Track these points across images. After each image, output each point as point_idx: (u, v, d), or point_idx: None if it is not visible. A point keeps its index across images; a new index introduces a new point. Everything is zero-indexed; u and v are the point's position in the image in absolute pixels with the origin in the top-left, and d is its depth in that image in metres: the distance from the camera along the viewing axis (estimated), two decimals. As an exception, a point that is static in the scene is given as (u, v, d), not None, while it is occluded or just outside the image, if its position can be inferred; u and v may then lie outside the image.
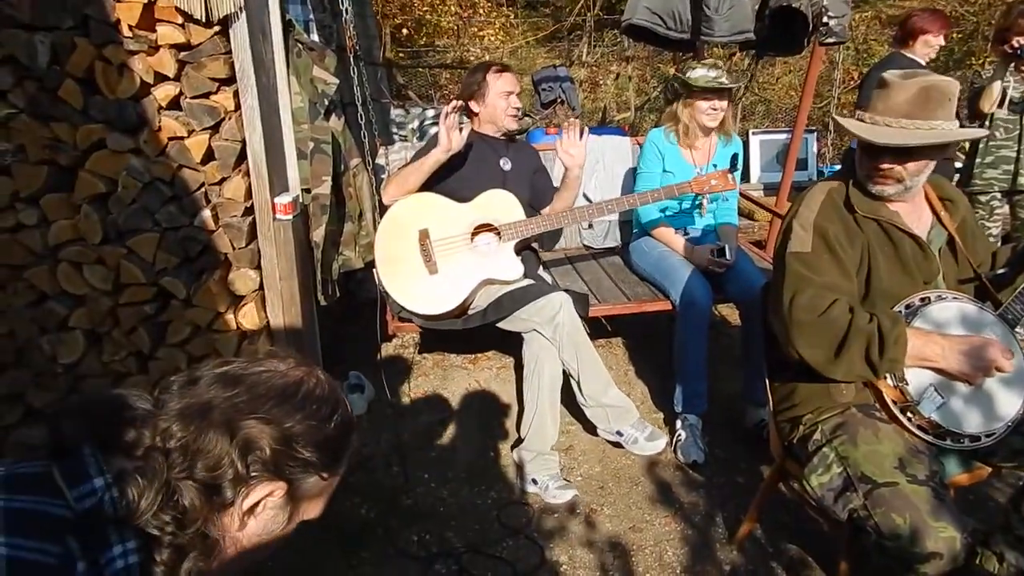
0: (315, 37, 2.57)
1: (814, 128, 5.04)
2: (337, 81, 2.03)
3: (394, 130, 4.88)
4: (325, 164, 2.04)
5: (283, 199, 1.91)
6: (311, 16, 2.49)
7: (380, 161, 3.12)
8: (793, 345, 1.55)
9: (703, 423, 2.55)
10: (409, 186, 2.40)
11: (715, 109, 2.66)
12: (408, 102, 4.87)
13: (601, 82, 5.90)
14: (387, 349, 3.38)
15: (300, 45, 1.97)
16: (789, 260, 1.61)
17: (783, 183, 3.50)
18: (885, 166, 1.53)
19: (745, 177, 5.01)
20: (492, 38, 6.83)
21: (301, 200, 2.05)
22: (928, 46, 3.22)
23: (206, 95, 1.81)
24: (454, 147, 2.37)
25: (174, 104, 1.80)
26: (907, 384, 1.51)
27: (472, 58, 7.06)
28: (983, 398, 1.49)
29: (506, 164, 2.61)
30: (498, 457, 2.52)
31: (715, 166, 2.74)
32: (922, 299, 1.58)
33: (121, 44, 1.74)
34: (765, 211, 3.35)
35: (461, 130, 2.39)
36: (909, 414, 1.52)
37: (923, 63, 3.25)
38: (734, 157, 2.63)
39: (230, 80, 1.81)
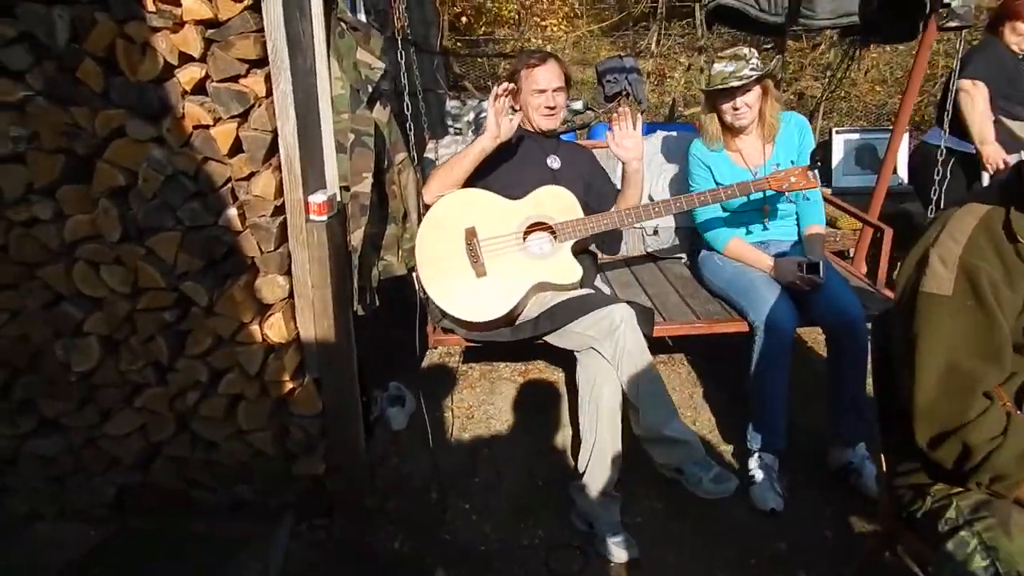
0: (362, 17, 2.36)
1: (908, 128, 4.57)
2: (383, 65, 1.80)
3: (449, 122, 4.67)
4: (367, 159, 1.81)
5: (318, 198, 1.70)
6: (360, -7, 2.28)
7: (429, 155, 2.90)
8: (914, 430, 1.25)
9: (780, 462, 2.24)
10: (453, 180, 2.17)
11: (737, 109, 2.35)
12: (464, 93, 4.65)
13: (669, 74, 5.53)
14: (431, 357, 3.17)
15: (343, 24, 1.75)
16: (922, 301, 1.29)
17: (878, 189, 3.11)
18: None
19: (826, 180, 4.59)
20: (555, 28, 6.55)
21: (339, 199, 1.84)
22: (1017, 33, 2.79)
23: (234, 78, 1.61)
24: (503, 135, 2.13)
25: (199, 88, 1.61)
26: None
27: (533, 48, 6.80)
28: None
29: (554, 162, 2.37)
30: (548, 488, 2.27)
31: (777, 165, 2.41)
32: None
33: (144, 20, 1.55)
34: (855, 218, 2.97)
35: (511, 119, 2.14)
36: (1074, 495, 1.19)
37: (1019, 54, 2.82)
38: (813, 153, 2.29)
39: (262, 62, 1.61)
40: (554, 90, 2.31)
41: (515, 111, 2.21)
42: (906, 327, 1.33)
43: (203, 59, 1.59)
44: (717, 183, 2.46)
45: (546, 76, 2.29)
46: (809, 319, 2.28)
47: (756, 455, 2.24)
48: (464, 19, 5.97)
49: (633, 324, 2.02)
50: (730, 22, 2.55)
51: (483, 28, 6.20)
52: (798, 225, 2.69)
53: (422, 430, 2.57)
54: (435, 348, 3.14)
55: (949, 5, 2.14)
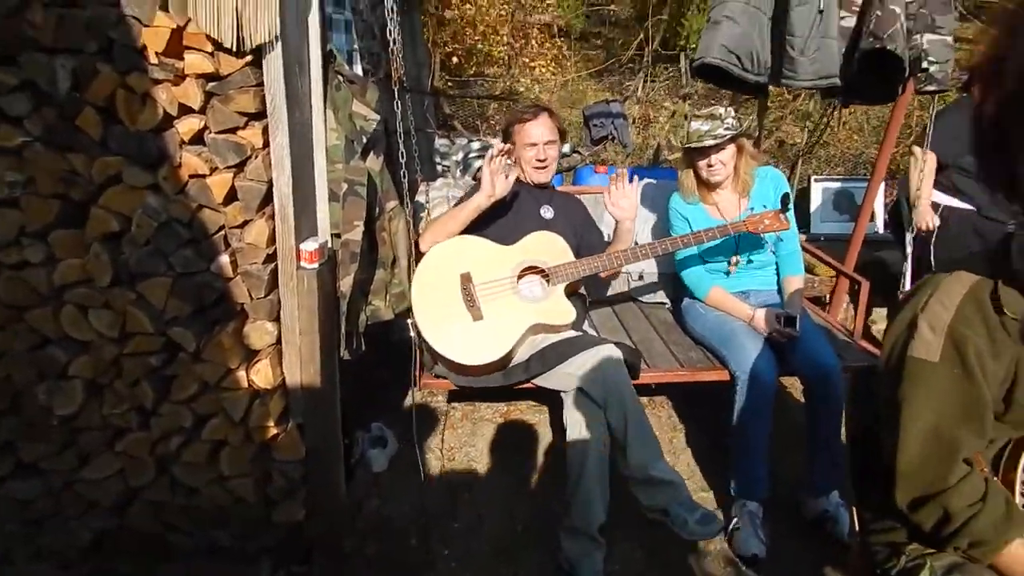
0: (358, 68, 2.42)
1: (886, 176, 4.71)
2: (378, 117, 1.85)
3: (437, 160, 4.73)
4: (359, 207, 1.85)
5: (309, 246, 1.72)
6: (355, 45, 2.34)
7: (420, 199, 2.94)
8: (895, 492, 1.29)
9: (763, 510, 2.26)
10: (447, 233, 2.25)
11: (712, 166, 2.44)
12: (453, 132, 4.73)
13: (654, 119, 5.67)
14: (414, 398, 3.16)
15: (340, 77, 1.80)
16: (910, 365, 1.33)
17: (854, 239, 3.20)
18: None
19: (804, 226, 4.70)
20: (543, 69, 6.69)
21: (330, 246, 1.86)
22: None
23: (233, 130, 1.65)
24: (498, 193, 2.20)
25: (197, 139, 1.64)
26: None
27: (522, 89, 6.93)
28: None
29: (547, 212, 2.44)
30: (529, 532, 2.27)
31: (751, 209, 2.50)
32: None
33: (146, 72, 1.58)
34: (832, 269, 3.05)
35: (507, 176, 2.22)
36: (1045, 560, 1.23)
37: None
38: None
39: (260, 115, 1.65)
40: (545, 143, 2.38)
41: (510, 167, 2.27)
42: (892, 389, 1.37)
43: (202, 111, 1.62)
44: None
45: (538, 130, 2.36)
46: (787, 369, 2.33)
47: (739, 503, 2.26)
48: (455, 59, 6.10)
49: (621, 364, 2.06)
50: (714, 79, 2.65)
51: (473, 68, 6.33)
52: (778, 275, 2.77)
53: (404, 472, 2.57)
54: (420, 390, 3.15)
55: (927, 70, 2.24)
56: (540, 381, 2.14)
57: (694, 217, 2.56)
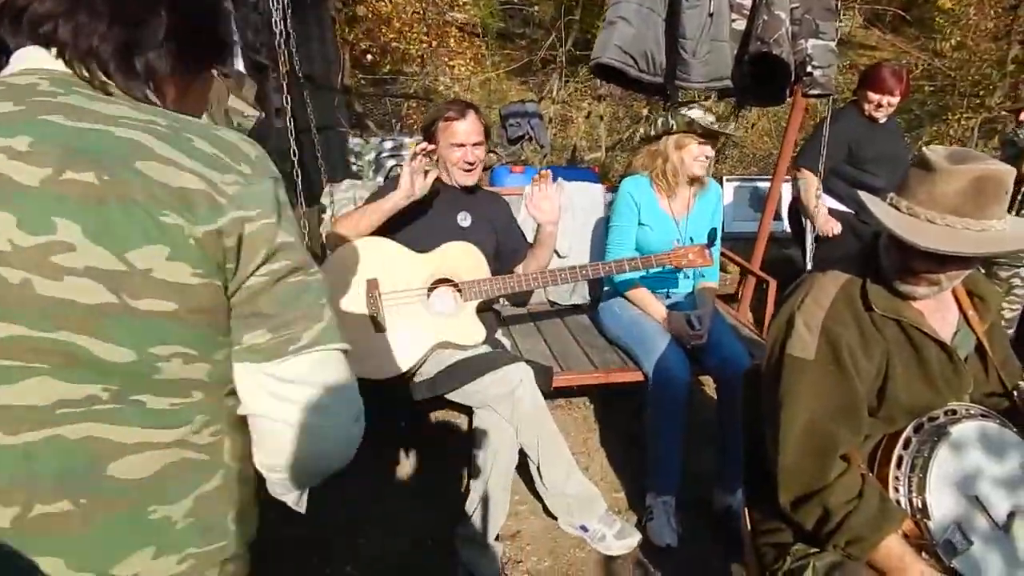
0: (239, 62, 2.27)
1: (788, 177, 4.88)
2: (257, 113, 1.73)
3: (352, 159, 4.59)
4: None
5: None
6: (234, 38, 2.19)
7: (324, 200, 2.82)
8: (778, 491, 1.30)
9: (675, 501, 2.27)
10: (359, 231, 2.10)
11: (707, 157, 2.45)
12: (367, 132, 4.59)
13: (572, 119, 5.70)
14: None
15: (214, 71, 1.67)
16: (788, 363, 1.35)
17: (760, 236, 3.29)
18: (922, 268, 1.27)
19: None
20: (462, 68, 6.61)
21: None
22: (869, 102, 3.06)
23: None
24: (417, 193, 2.08)
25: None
26: (928, 517, 1.25)
27: (441, 87, 6.84)
28: (1009, 543, 1.23)
29: (465, 220, 2.30)
30: (436, 547, 2.20)
31: (690, 240, 2.51)
32: (947, 412, 1.34)
33: None
34: (741, 268, 3.12)
35: (427, 175, 2.10)
36: (925, 554, 1.25)
37: (876, 119, 3.08)
38: (712, 232, 2.40)
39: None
40: (473, 144, 2.22)
41: (430, 167, 2.16)
42: (772, 388, 1.38)
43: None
44: (641, 223, 2.53)
45: (465, 130, 2.20)
46: (701, 369, 2.36)
47: (652, 495, 2.26)
48: (369, 56, 5.93)
49: (531, 383, 2.01)
50: (614, 79, 2.65)
51: (388, 66, 6.18)
52: (693, 279, 2.81)
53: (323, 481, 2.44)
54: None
55: (812, 74, 2.30)
56: (450, 395, 2.07)
57: (644, 206, 2.53)
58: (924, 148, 1.29)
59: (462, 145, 2.21)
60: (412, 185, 2.03)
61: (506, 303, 2.80)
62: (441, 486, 2.51)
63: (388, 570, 2.09)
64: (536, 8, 7.89)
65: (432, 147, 2.09)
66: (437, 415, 2.98)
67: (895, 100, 3.04)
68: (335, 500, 2.42)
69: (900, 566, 1.20)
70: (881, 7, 7.45)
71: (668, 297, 2.60)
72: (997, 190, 1.21)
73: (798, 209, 3.39)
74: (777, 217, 4.76)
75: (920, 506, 1.24)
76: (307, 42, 4.34)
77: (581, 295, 2.99)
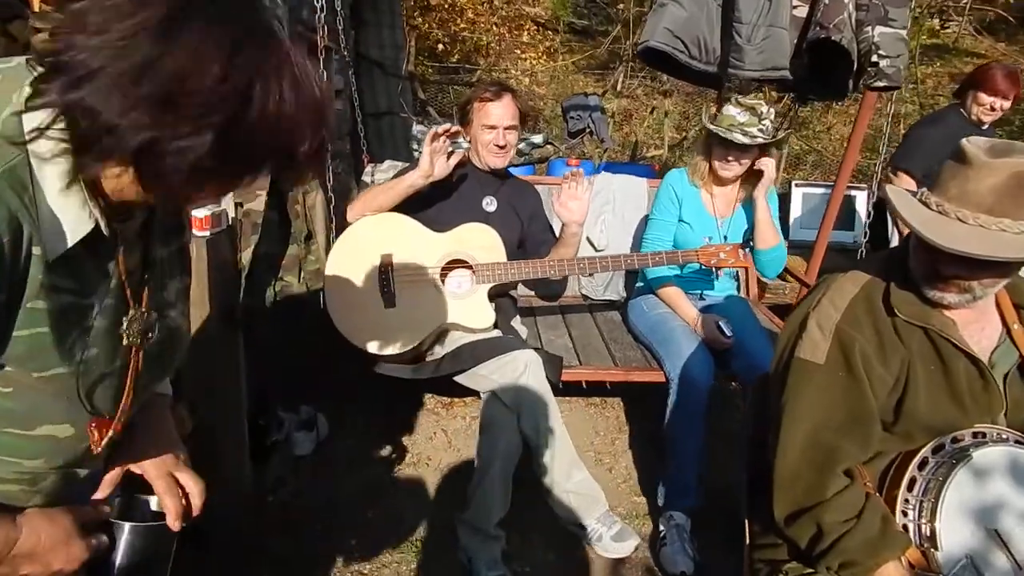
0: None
1: (865, 185, 4.58)
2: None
3: (414, 145, 4.65)
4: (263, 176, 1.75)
5: (199, 212, 1.63)
6: (277, 12, 2.23)
7: (366, 179, 2.85)
8: (773, 504, 1.20)
9: (693, 521, 2.15)
10: (376, 206, 2.11)
11: (728, 161, 2.29)
12: (429, 118, 4.64)
13: (636, 115, 5.55)
14: (354, 383, 3.08)
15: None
16: (796, 366, 1.25)
17: (816, 247, 3.09)
18: (950, 273, 1.14)
19: (784, 232, 4.58)
20: (534, 61, 6.57)
21: (232, 215, 1.77)
22: (978, 103, 2.80)
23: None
24: (436, 174, 2.06)
25: (80, 92, 1.55)
26: (936, 547, 1.12)
27: (512, 81, 6.83)
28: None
29: (490, 205, 2.27)
30: (444, 531, 2.17)
31: (726, 238, 2.37)
32: (976, 435, 1.20)
33: (27, 20, 1.49)
34: (794, 278, 2.95)
35: (450, 156, 2.09)
36: (930, 587, 1.13)
37: (983, 124, 2.83)
38: (747, 232, 2.26)
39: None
40: (506, 128, 2.17)
41: (454, 149, 2.14)
42: (778, 392, 1.28)
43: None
44: (681, 219, 2.43)
45: (499, 113, 2.14)
46: (727, 372, 2.25)
47: (666, 516, 2.16)
48: (440, 46, 5.99)
49: (538, 371, 1.96)
50: (664, 66, 2.54)
51: (457, 56, 6.22)
52: (737, 280, 2.68)
53: (329, 458, 2.48)
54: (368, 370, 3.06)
55: (877, 64, 2.13)
56: (458, 379, 2.05)
57: (686, 201, 2.43)
58: (964, 140, 1.15)
59: (494, 127, 2.17)
60: (431, 165, 2.02)
61: (534, 296, 2.75)
62: (463, 468, 2.49)
63: (392, 548, 2.09)
64: (620, 6, 7.77)
65: (456, 129, 2.06)
66: (472, 397, 2.97)
67: (1007, 104, 2.79)
68: (357, 471, 2.44)
69: None
70: (993, 9, 6.90)
71: (702, 299, 2.47)
72: None
73: (884, 217, 3.17)
74: (847, 227, 4.49)
75: (928, 534, 1.11)
76: (378, 28, 4.41)
77: (616, 291, 2.90)
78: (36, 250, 0.65)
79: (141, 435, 0.91)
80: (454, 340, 2.06)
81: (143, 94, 0.58)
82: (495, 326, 2.13)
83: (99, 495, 0.89)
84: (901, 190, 1.21)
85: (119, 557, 0.84)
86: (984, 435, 1.18)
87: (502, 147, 2.20)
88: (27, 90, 0.62)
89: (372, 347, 2.00)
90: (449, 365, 2.00)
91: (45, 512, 0.77)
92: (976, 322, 1.24)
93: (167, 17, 0.59)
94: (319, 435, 2.57)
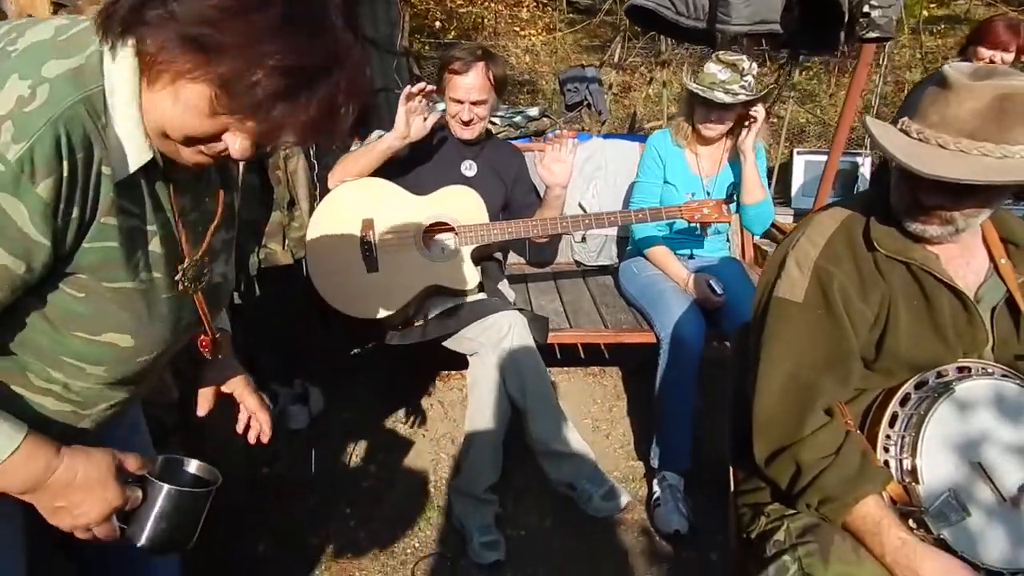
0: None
1: (864, 150, 4.50)
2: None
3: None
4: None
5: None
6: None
7: (354, 148, 2.82)
8: (753, 445, 1.19)
9: (686, 483, 2.14)
10: (356, 171, 2.08)
11: (710, 121, 2.25)
12: (434, 99, 4.59)
13: (635, 87, 5.47)
14: (357, 356, 3.07)
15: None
16: (774, 306, 1.22)
17: (814, 210, 3.03)
18: (932, 202, 1.10)
19: (785, 200, 4.52)
20: (534, 37, 6.50)
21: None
22: (979, 59, 2.71)
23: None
24: (412, 135, 2.04)
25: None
26: (918, 481, 1.09)
27: (512, 59, 6.76)
28: (1017, 519, 1.06)
29: (470, 169, 2.23)
30: (437, 497, 2.17)
31: (708, 194, 2.33)
32: (960, 370, 1.16)
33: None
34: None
35: (425, 118, 2.06)
36: (912, 523, 1.10)
37: None
38: (732, 187, 2.22)
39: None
40: (472, 103, 2.10)
41: (431, 109, 2.11)
42: (758, 333, 1.26)
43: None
44: (666, 181, 2.39)
45: (465, 87, 2.07)
46: (717, 331, 2.21)
47: (660, 476, 2.14)
48: (438, 23, 5.92)
49: (523, 332, 1.94)
50: (651, 24, 2.49)
51: (454, 33, 6.15)
52: (728, 241, 2.65)
53: (325, 431, 2.48)
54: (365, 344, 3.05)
55: (869, 15, 2.07)
56: (444, 343, 2.04)
57: (670, 163, 2.39)
58: (946, 66, 1.10)
59: (461, 102, 2.11)
60: (407, 126, 1.99)
61: (526, 263, 2.73)
62: (454, 438, 2.49)
63: (384, 515, 2.09)
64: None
65: (431, 88, 2.03)
66: (452, 371, 2.96)
67: (1009, 57, 2.70)
68: (352, 441, 2.44)
69: (875, 531, 1.05)
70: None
71: (692, 258, 2.44)
72: None
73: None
74: (849, 193, 4.42)
75: (910, 468, 1.08)
76: (372, 4, 4.36)
77: (609, 256, 2.86)
78: (106, 170, 0.73)
79: (220, 362, 1.07)
80: (439, 304, 2.04)
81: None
82: (481, 289, 2.11)
83: (201, 411, 1.11)
84: (881, 122, 1.17)
85: (152, 517, 0.85)
86: (969, 369, 1.15)
87: (467, 123, 2.14)
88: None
89: (356, 312, 1.99)
90: (435, 330, 1.98)
91: (87, 450, 0.81)
92: (961, 256, 1.20)
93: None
94: (314, 409, 2.57)
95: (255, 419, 1.14)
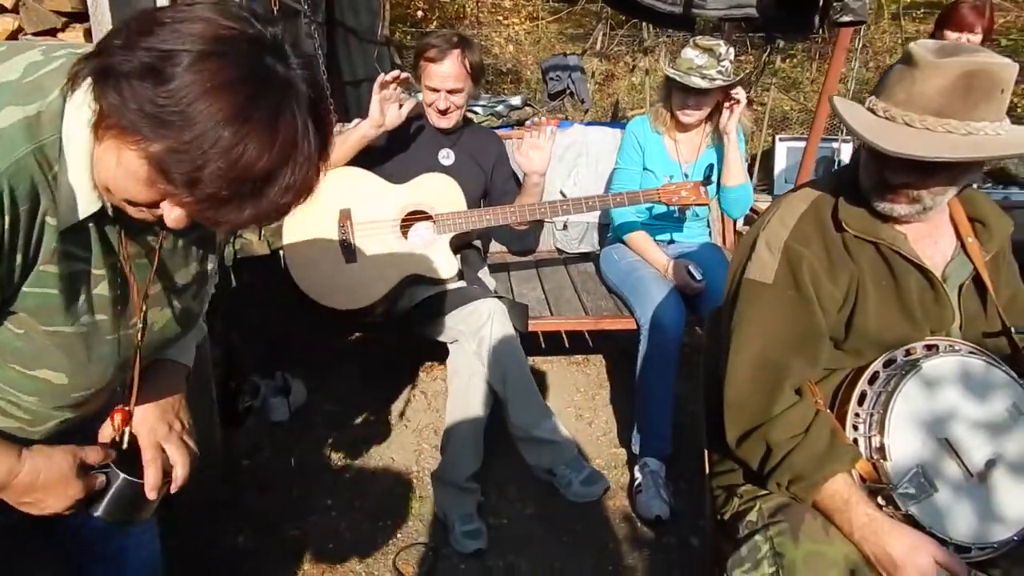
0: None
1: (849, 137, 4.51)
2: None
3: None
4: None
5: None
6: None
7: (334, 138, 2.80)
8: (725, 426, 1.19)
9: (667, 469, 2.14)
10: (332, 160, 2.06)
11: (687, 107, 2.24)
12: (408, 85, 4.56)
13: (618, 75, 5.45)
14: (339, 348, 3.06)
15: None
16: (745, 288, 1.23)
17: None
18: (898, 181, 1.10)
19: (768, 187, 4.53)
20: (517, 27, 6.46)
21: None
22: (946, 40, 2.73)
23: (51, 32, 1.51)
24: (388, 123, 2.02)
25: (12, 39, 1.50)
26: (885, 458, 1.10)
27: (496, 48, 6.73)
28: (984, 494, 1.07)
29: (447, 158, 2.21)
30: (423, 489, 2.17)
31: (686, 177, 2.34)
32: (928, 348, 1.17)
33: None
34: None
35: (400, 105, 2.04)
36: (881, 499, 1.10)
37: None
38: (709, 168, 2.22)
39: (82, 15, 1.50)
40: (448, 91, 2.08)
41: (410, 95, 2.09)
42: (729, 317, 1.26)
43: (15, 10, 1.49)
44: (645, 167, 2.39)
45: (440, 75, 2.05)
46: (697, 316, 2.21)
47: (641, 462, 2.15)
48: (419, 12, 5.88)
49: (502, 319, 1.94)
50: (631, 11, 2.48)
51: (436, 22, 6.11)
52: (709, 227, 2.65)
53: (305, 424, 2.47)
54: (346, 336, 3.03)
55: (843, -1, 2.08)
56: (424, 332, 2.03)
57: (649, 149, 2.38)
58: (912, 43, 1.11)
59: (436, 91, 2.08)
60: (381, 114, 1.97)
61: (508, 252, 2.72)
62: (437, 428, 2.48)
63: (364, 505, 2.08)
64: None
65: (405, 76, 2.01)
66: (435, 362, 2.95)
67: (976, 38, 2.71)
68: (334, 433, 2.43)
69: (843, 508, 1.06)
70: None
71: (672, 244, 2.44)
72: (990, 87, 1.03)
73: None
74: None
75: (878, 446, 1.09)
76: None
77: (591, 243, 2.86)
78: (51, 220, 0.73)
79: (144, 393, 0.95)
80: (418, 293, 2.03)
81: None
82: (460, 277, 2.10)
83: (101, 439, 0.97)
84: (848, 101, 1.17)
85: (107, 499, 0.88)
86: (936, 347, 1.16)
87: (443, 112, 2.12)
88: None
89: (334, 304, 1.98)
90: (415, 320, 1.97)
91: (46, 452, 0.85)
92: (929, 236, 1.20)
93: (200, 56, 0.63)
94: (295, 401, 2.56)
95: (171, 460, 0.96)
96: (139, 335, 0.88)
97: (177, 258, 0.93)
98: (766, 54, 2.84)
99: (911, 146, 1.02)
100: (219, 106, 0.63)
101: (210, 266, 1.00)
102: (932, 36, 2.86)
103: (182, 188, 0.65)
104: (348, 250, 1.99)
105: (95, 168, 0.72)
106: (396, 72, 2.01)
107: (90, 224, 0.77)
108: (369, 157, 2.09)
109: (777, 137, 4.60)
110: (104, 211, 0.77)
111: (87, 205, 0.75)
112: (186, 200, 0.67)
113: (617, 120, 4.62)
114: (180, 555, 1.80)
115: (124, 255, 0.83)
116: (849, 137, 4.54)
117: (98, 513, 0.88)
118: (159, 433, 0.94)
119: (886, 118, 1.08)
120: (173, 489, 0.95)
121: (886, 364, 1.16)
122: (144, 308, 0.87)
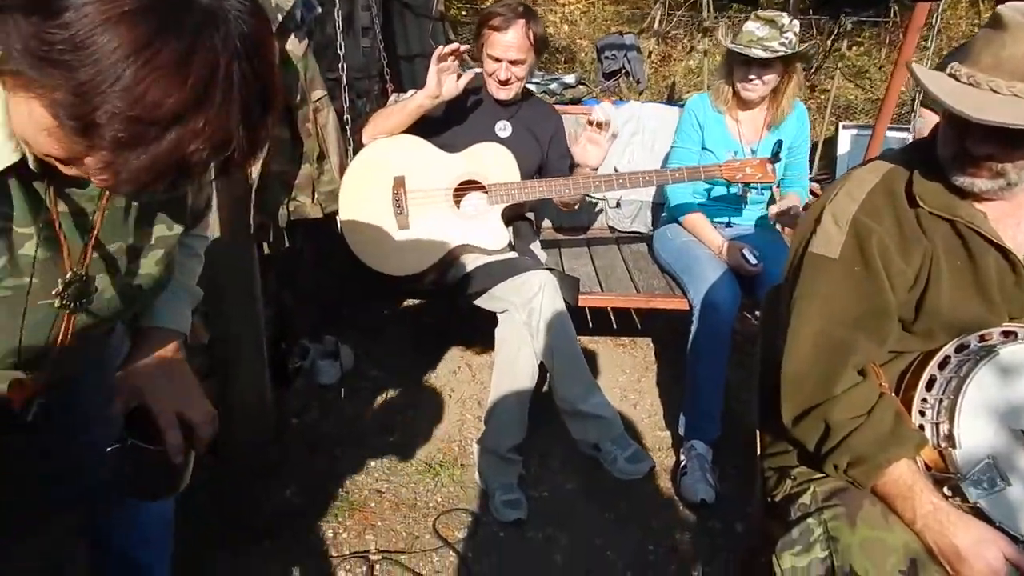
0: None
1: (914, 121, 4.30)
2: (300, -3, 1.72)
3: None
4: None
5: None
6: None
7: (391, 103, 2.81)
8: (781, 404, 1.15)
9: (714, 452, 2.11)
10: (388, 128, 2.08)
11: (750, 80, 2.17)
12: (463, 61, 4.56)
13: (675, 56, 5.31)
14: (388, 316, 3.10)
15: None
16: (808, 262, 1.17)
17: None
18: (982, 152, 1.03)
19: (831, 176, 4.39)
20: (572, 6, 6.35)
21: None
22: None
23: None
24: (444, 95, 2.01)
25: None
26: (954, 446, 1.05)
27: (550, 28, 6.64)
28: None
29: (504, 130, 2.20)
30: (462, 457, 2.19)
31: (753, 152, 2.27)
32: (1006, 334, 1.11)
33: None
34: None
35: (458, 77, 2.03)
36: (947, 490, 1.06)
37: None
38: (778, 144, 2.14)
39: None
40: (511, 62, 2.06)
41: (464, 69, 2.09)
42: (791, 292, 1.21)
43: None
44: (704, 147, 2.33)
45: (504, 45, 2.02)
46: (753, 299, 2.16)
47: (687, 445, 2.12)
48: (480, -11, 5.85)
49: (553, 292, 1.92)
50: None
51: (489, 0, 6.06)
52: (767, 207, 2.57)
53: (354, 388, 2.52)
54: (399, 304, 3.07)
55: (921, -32, 1.96)
56: (476, 301, 2.03)
57: (709, 128, 2.33)
58: (1001, 6, 1.03)
59: (499, 60, 2.07)
60: (438, 85, 1.96)
61: (560, 228, 2.70)
62: (475, 402, 2.50)
63: (409, 470, 2.11)
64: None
65: (464, 48, 1.99)
66: (482, 332, 2.96)
67: None
68: (381, 398, 2.47)
69: (906, 494, 1.01)
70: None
71: (729, 227, 2.38)
72: None
73: None
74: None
75: (946, 434, 1.04)
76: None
77: (644, 223, 2.82)
78: None
79: (155, 381, 0.92)
80: (468, 263, 2.03)
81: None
82: (511, 248, 2.10)
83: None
84: (928, 70, 1.10)
85: (131, 480, 0.89)
86: (1015, 334, 1.09)
87: (504, 83, 2.10)
88: None
89: (387, 269, 2.00)
90: (465, 288, 1.98)
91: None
92: (1012, 216, 1.13)
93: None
94: (343, 366, 2.60)
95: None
96: (61, 299, 0.79)
97: (132, 220, 0.85)
98: (831, 37, 2.70)
99: (997, 113, 0.95)
100: (120, 40, 0.54)
101: (176, 228, 0.91)
102: None
103: (80, 137, 0.58)
104: (401, 216, 2.00)
105: (13, 120, 0.65)
106: (455, 44, 2.00)
107: (10, 179, 0.70)
108: (426, 126, 2.09)
109: (841, 124, 4.44)
110: (26, 163, 0.69)
111: (1, 158, 0.68)
112: (96, 152, 0.59)
113: (673, 100, 4.52)
114: (232, 510, 1.87)
115: (54, 213, 0.75)
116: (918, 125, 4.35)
117: (131, 492, 0.86)
118: (168, 397, 0.91)
119: (970, 84, 1.01)
120: (200, 450, 0.91)
121: (958, 349, 1.10)
122: (78, 271, 0.79)
